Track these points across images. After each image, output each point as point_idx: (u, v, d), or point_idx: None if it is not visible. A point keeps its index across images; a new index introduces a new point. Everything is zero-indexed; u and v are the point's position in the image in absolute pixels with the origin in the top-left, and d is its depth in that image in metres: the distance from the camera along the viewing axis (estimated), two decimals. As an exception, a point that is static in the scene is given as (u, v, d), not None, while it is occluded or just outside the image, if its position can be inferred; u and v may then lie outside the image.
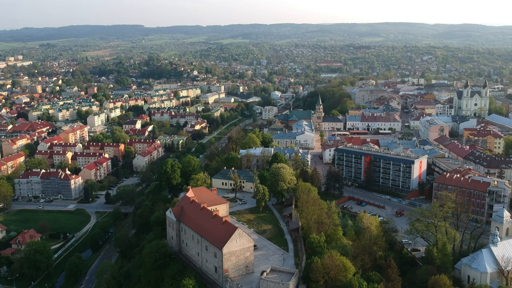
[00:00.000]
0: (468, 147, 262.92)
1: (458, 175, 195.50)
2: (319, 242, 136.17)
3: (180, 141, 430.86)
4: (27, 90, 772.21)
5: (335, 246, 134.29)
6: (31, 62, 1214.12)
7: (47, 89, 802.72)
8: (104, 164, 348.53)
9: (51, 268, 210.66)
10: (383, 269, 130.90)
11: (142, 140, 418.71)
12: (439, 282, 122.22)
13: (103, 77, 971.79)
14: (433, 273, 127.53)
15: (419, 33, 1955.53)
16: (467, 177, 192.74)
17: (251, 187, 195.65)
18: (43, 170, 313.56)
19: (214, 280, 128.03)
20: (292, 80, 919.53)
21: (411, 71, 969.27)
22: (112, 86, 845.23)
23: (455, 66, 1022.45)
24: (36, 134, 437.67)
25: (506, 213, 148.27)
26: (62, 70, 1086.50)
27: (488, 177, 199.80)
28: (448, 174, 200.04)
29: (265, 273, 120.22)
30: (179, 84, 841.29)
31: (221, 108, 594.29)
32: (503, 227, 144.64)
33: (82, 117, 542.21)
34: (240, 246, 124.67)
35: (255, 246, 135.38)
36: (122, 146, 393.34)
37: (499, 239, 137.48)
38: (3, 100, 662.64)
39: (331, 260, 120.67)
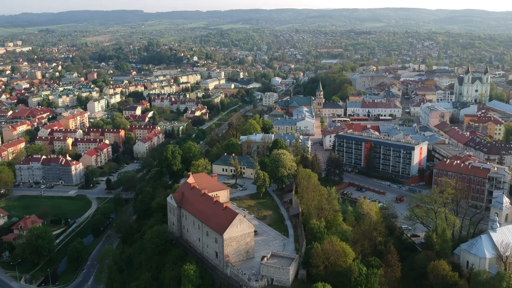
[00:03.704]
0: (468, 133, 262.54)
1: (458, 161, 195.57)
2: (319, 227, 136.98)
3: (181, 127, 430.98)
4: (26, 76, 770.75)
5: (335, 232, 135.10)
6: (30, 48, 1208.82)
7: (46, 75, 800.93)
8: (105, 150, 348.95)
9: (53, 254, 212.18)
10: (383, 254, 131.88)
11: (143, 126, 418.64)
12: (438, 268, 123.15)
13: (103, 63, 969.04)
14: (433, 259, 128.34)
15: (420, 19, 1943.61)
16: (467, 164, 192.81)
17: (252, 173, 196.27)
18: (44, 156, 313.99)
19: (215, 265, 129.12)
20: (292, 66, 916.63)
21: (412, 57, 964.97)
22: (111, 72, 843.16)
23: (456, 52, 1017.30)
24: (36, 120, 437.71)
25: (505, 199, 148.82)
26: (62, 55, 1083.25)
27: (488, 163, 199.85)
28: (448, 161, 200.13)
29: (265, 258, 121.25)
30: (179, 70, 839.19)
31: (221, 94, 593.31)
32: (502, 213, 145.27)
33: (82, 103, 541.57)
34: (240, 232, 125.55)
35: (255, 231, 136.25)
36: (122, 132, 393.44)
37: (498, 225, 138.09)
38: (3, 86, 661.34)
39: (331, 246, 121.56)
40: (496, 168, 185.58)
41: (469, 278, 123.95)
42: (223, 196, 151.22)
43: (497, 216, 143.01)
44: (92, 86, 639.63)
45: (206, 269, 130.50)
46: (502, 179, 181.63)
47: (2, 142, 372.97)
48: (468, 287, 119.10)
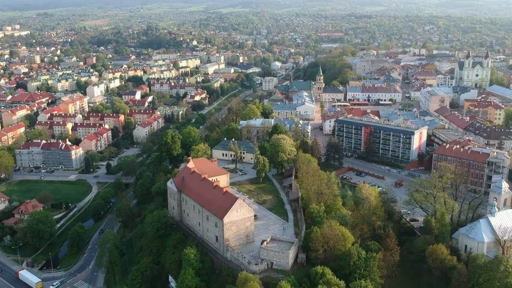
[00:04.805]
0: (468, 118, 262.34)
1: (458, 146, 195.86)
2: (318, 212, 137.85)
3: (180, 112, 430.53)
4: (25, 60, 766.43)
5: (334, 216, 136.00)
6: (28, 32, 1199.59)
7: (45, 59, 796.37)
8: (105, 134, 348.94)
9: (54, 238, 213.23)
10: (382, 238, 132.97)
11: (142, 111, 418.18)
12: (436, 252, 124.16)
13: (102, 47, 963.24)
14: (431, 243, 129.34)
15: (421, 2, 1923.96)
16: (466, 148, 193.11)
17: (252, 158, 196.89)
18: (44, 141, 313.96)
19: (215, 249, 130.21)
20: (292, 50, 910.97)
21: (412, 41, 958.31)
22: (110, 56, 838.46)
23: (457, 36, 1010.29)
24: (36, 104, 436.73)
25: (504, 184, 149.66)
26: (60, 40, 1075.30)
27: (487, 148, 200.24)
28: (448, 145, 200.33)
29: (265, 242, 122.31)
30: (178, 54, 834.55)
31: (221, 79, 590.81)
32: (501, 198, 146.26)
33: (82, 88, 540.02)
34: (240, 216, 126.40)
35: (255, 216, 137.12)
36: (122, 117, 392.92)
37: (497, 209, 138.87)
38: (2, 71, 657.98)
39: (330, 230, 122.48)
40: (495, 153, 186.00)
41: (467, 262, 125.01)
42: (223, 180, 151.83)
43: (496, 200, 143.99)
44: (91, 70, 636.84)
45: (207, 253, 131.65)
46: (501, 164, 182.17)
47: (2, 126, 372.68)
48: (466, 271, 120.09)
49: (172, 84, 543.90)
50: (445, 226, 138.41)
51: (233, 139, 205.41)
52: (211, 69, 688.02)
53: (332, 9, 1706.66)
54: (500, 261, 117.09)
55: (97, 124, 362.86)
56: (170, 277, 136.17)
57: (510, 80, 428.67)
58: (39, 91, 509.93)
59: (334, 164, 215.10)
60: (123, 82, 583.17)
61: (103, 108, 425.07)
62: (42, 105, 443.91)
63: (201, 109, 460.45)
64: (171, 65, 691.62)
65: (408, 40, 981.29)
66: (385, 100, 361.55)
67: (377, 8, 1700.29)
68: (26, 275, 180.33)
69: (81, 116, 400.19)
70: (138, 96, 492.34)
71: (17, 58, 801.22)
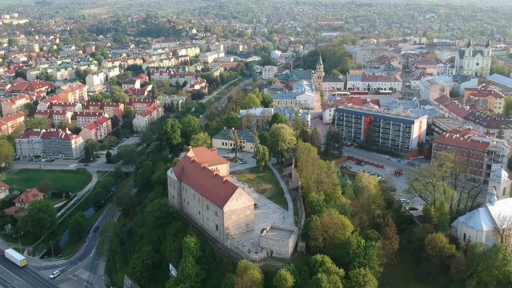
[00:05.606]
0: (468, 107, 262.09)
1: (458, 135, 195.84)
2: (318, 201, 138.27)
3: (180, 101, 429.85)
4: (24, 49, 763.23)
5: (334, 205, 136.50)
6: (27, 20, 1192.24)
7: (44, 48, 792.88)
8: (104, 123, 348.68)
9: (55, 226, 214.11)
10: (381, 227, 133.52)
11: (142, 100, 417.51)
12: (435, 240, 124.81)
13: (101, 36, 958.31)
14: (430, 232, 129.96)
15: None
16: (466, 137, 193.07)
17: (251, 147, 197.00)
18: (44, 130, 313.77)
19: (215, 237, 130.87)
20: (292, 39, 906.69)
21: (413, 29, 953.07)
22: (110, 45, 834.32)
23: (458, 24, 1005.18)
24: (35, 93, 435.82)
25: (504, 173, 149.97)
26: (59, 28, 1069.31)
27: (487, 137, 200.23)
28: (448, 134, 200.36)
29: (265, 231, 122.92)
30: (178, 42, 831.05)
31: (220, 68, 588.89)
32: (500, 187, 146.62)
33: (81, 77, 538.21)
34: (240, 205, 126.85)
35: (255, 204, 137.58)
36: (121, 106, 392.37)
37: (496, 198, 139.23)
38: (1, 59, 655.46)
39: (330, 219, 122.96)
40: (495, 142, 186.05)
41: (466, 250, 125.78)
42: (223, 169, 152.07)
43: (495, 189, 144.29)
44: (91, 59, 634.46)
45: (207, 241, 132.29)
46: (501, 153, 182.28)
47: (2, 115, 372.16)
48: (465, 259, 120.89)
49: (172, 73, 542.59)
50: (444, 215, 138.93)
51: (233, 128, 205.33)
52: (210, 58, 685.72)
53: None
54: (498, 249, 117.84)
55: (97, 113, 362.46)
56: (170, 265, 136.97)
57: (510, 69, 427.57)
58: (38, 80, 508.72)
59: (333, 153, 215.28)
60: (122, 71, 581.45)
61: (103, 97, 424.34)
62: (42, 94, 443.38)
63: (200, 98, 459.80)
64: (171, 53, 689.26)
65: (408, 29, 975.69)
66: (385, 89, 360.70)
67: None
68: (12, 253, 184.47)
69: (80, 105, 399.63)
70: (137, 85, 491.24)
71: (16, 46, 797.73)
